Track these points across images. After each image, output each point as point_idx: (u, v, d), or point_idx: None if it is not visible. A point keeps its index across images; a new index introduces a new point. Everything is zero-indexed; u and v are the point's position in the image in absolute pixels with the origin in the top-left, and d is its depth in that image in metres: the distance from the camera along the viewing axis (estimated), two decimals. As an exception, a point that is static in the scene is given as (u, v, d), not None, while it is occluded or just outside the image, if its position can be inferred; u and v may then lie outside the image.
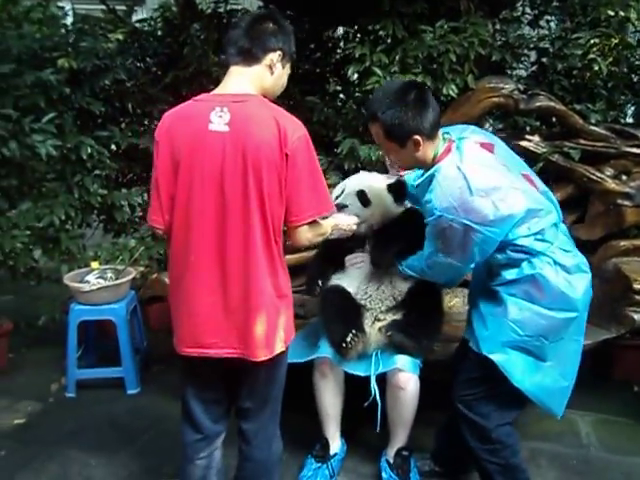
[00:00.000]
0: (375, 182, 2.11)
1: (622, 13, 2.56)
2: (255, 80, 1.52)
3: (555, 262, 1.69)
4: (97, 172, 2.98)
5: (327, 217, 1.60)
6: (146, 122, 3.26)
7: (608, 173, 2.60)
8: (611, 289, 2.48)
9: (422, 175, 1.80)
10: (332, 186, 2.87)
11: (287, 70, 1.61)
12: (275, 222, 1.47)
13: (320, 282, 2.06)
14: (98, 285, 2.72)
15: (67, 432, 2.46)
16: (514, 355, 1.72)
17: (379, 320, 2.03)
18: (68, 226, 3.03)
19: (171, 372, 2.99)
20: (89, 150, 2.81)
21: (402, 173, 2.21)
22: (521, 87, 2.61)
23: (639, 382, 2.87)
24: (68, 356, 2.75)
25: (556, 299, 1.69)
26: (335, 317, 2.00)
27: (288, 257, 2.95)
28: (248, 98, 1.48)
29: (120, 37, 3.00)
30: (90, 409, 2.65)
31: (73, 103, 2.89)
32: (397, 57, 2.55)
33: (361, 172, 2.20)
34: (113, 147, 3.06)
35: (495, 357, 1.71)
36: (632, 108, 2.62)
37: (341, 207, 2.00)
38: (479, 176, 1.61)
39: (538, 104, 2.51)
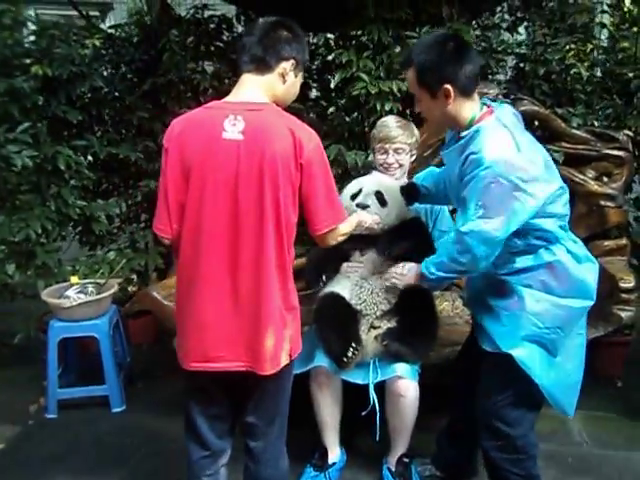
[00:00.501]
0: (390, 183, 2.11)
1: (597, 19, 2.64)
2: (268, 89, 1.50)
3: (568, 250, 1.67)
4: (74, 183, 2.87)
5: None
6: (124, 131, 3.17)
7: (590, 175, 2.66)
8: (598, 289, 2.52)
9: (452, 140, 1.72)
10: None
11: (300, 79, 1.58)
12: (289, 231, 1.45)
13: (324, 276, 2.03)
14: (79, 300, 2.61)
15: (51, 456, 2.34)
16: (533, 349, 1.65)
17: (374, 327, 2.01)
18: (44, 240, 2.91)
19: (156, 387, 2.91)
20: (66, 160, 2.70)
21: (393, 173, 2.22)
22: (503, 92, 2.65)
23: (621, 378, 2.95)
24: (49, 375, 2.62)
25: (573, 287, 1.66)
26: (332, 327, 1.97)
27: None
28: (263, 107, 1.45)
29: (97, 43, 2.90)
30: (74, 430, 2.53)
31: (47, 112, 2.78)
32: (383, 63, 2.55)
33: (374, 173, 2.19)
34: (90, 157, 2.96)
35: (516, 352, 1.63)
36: (610, 111, 2.68)
37: (363, 207, 1.98)
38: (523, 140, 1.56)
39: (523, 108, 2.54)
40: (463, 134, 1.63)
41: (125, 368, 2.91)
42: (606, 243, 2.58)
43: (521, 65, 2.89)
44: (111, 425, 2.58)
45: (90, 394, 2.69)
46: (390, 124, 2.23)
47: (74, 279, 2.77)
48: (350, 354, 1.86)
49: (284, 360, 1.52)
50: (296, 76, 1.55)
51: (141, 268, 3.20)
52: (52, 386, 2.63)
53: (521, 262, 1.65)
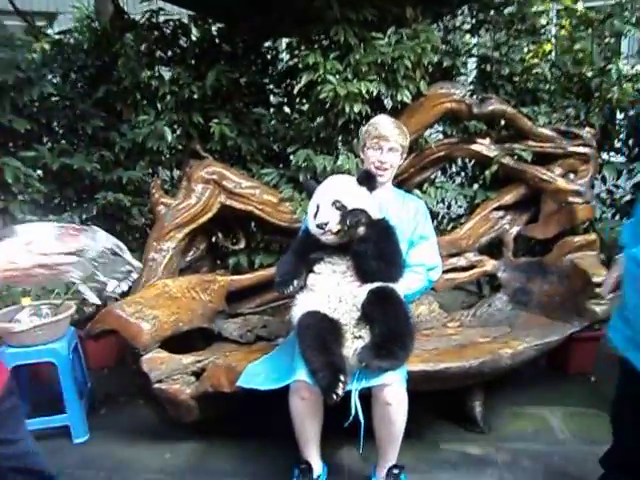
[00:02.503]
0: (345, 183, 2.03)
1: (555, 21, 2.69)
2: None
3: None
4: (23, 198, 2.66)
5: None
6: (76, 140, 2.98)
7: (557, 172, 2.70)
8: (571, 284, 2.55)
9: None
10: (287, 199, 2.78)
11: None
12: None
13: (295, 282, 1.94)
14: (33, 323, 2.40)
15: (8, 496, 2.12)
16: None
17: (356, 337, 1.92)
18: (-10, 260, 2.67)
19: (121, 413, 2.72)
20: (14, 173, 2.50)
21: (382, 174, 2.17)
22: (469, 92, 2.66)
23: (594, 372, 2.98)
24: (1, 408, 2.39)
25: None
26: (316, 348, 1.84)
27: (242, 277, 2.83)
28: None
29: (46, 46, 2.71)
30: (33, 466, 2.31)
31: (-8, 121, 2.58)
32: (350, 64, 2.50)
33: (327, 180, 2.10)
34: (39, 170, 2.76)
35: None
36: (571, 110, 2.73)
37: (324, 225, 1.90)
38: None
39: (491, 107, 2.56)
40: None
41: (86, 395, 2.70)
42: (576, 239, 2.61)
43: (483, 67, 2.91)
44: (74, 457, 2.38)
45: (49, 425, 2.47)
46: (386, 122, 2.20)
47: (26, 300, 2.55)
48: (340, 391, 1.75)
49: None
50: None
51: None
52: (5, 419, 2.40)
53: None
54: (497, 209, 2.84)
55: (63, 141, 2.90)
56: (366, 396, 1.90)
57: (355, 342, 1.89)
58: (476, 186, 3.02)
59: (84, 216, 3.08)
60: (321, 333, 1.85)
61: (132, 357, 2.31)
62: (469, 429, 2.48)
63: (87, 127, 2.83)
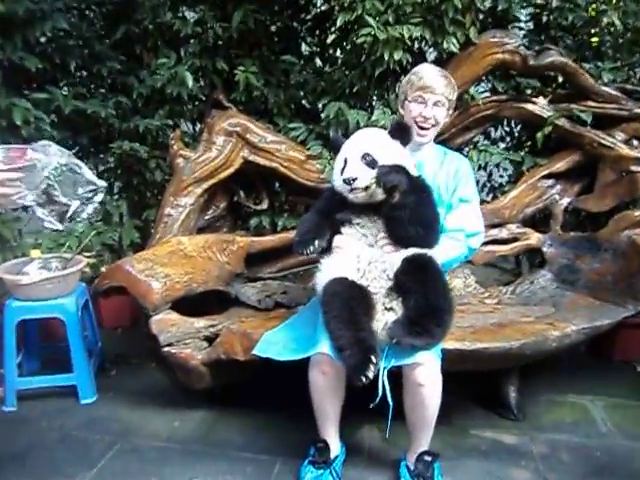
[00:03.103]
0: (376, 135, 1.80)
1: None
2: None
3: None
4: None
5: None
6: (92, 85, 2.78)
7: (619, 138, 2.41)
8: (627, 264, 2.29)
9: None
10: (315, 157, 2.56)
11: None
12: None
13: (316, 242, 1.73)
14: (41, 276, 2.27)
15: (10, 455, 2.01)
16: None
17: (387, 309, 1.71)
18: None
19: (131, 376, 2.60)
20: (23, 114, 2.32)
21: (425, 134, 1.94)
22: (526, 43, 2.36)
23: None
24: (5, 363, 2.29)
25: None
26: (344, 321, 1.64)
27: (264, 239, 2.64)
28: None
29: (59, -27, 2.50)
30: (37, 425, 2.21)
31: (1, 58, 2.39)
32: (392, 5, 2.22)
33: (355, 134, 1.87)
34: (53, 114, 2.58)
35: None
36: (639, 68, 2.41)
37: (351, 181, 1.68)
38: None
39: (550, 59, 2.26)
40: None
41: (96, 354, 2.59)
42: (637, 213, 2.33)
43: (540, 15, 2.58)
44: (80, 419, 2.27)
45: (55, 384, 2.37)
46: (432, 71, 1.94)
47: (35, 253, 2.43)
48: (370, 373, 1.54)
49: None
50: None
51: (114, 243, 2.85)
52: (10, 375, 2.29)
53: None
54: (546, 177, 2.56)
55: (78, 83, 2.71)
56: (395, 374, 1.70)
57: (385, 314, 1.68)
58: (523, 152, 2.74)
59: (100, 167, 2.91)
60: (349, 303, 1.64)
61: (143, 317, 2.16)
62: (502, 415, 2.28)
63: (103, 70, 2.63)
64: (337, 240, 1.80)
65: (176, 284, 2.09)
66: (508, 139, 2.88)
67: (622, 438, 2.18)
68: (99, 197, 1.35)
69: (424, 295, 1.62)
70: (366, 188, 1.70)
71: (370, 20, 2.20)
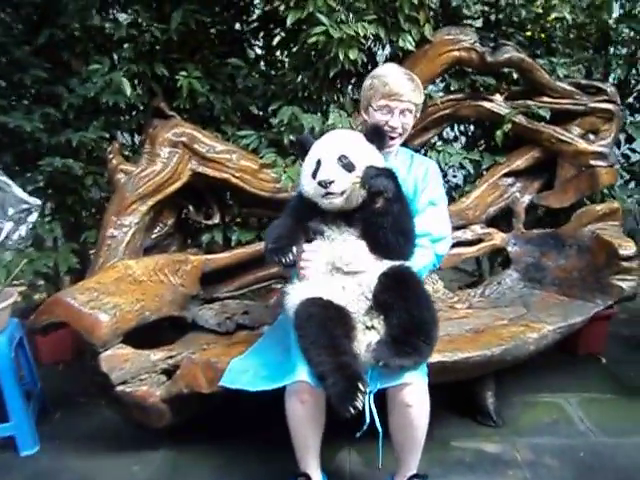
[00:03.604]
0: (351, 137, 1.67)
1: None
2: None
3: None
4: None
5: None
6: (13, 96, 2.49)
7: (576, 132, 2.40)
8: (593, 259, 2.28)
9: None
10: (269, 166, 2.39)
11: None
12: None
13: (293, 248, 1.57)
14: (-37, 316, 1.98)
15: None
16: None
17: (368, 328, 1.58)
18: None
19: (78, 417, 2.34)
20: None
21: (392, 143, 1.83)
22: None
23: (604, 354, 2.76)
24: None
25: None
26: (323, 347, 1.48)
27: (218, 256, 2.45)
28: None
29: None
30: (-31, 487, 1.92)
31: None
32: (344, 2, 2.11)
33: (327, 134, 1.73)
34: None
35: None
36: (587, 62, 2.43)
37: (327, 184, 1.54)
38: None
39: (507, 55, 2.22)
40: None
41: (35, 397, 2.30)
42: (598, 208, 2.33)
43: (489, 13, 2.55)
44: (21, 474, 2.00)
45: (-11, 436, 2.08)
46: (397, 75, 1.81)
47: (-44, 289, 2.11)
48: (359, 403, 1.39)
49: None
50: None
51: (49, 271, 2.56)
52: None
53: None
54: (506, 175, 2.53)
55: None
56: (378, 395, 1.57)
57: (367, 334, 1.55)
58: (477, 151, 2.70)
59: (28, 187, 2.61)
60: (327, 325, 1.49)
61: (90, 353, 1.91)
62: (481, 422, 2.22)
63: (26, 79, 2.35)
64: (307, 254, 1.65)
65: (127, 314, 1.87)
66: (463, 139, 2.83)
67: (602, 435, 2.16)
68: (33, 217, 1.15)
69: (407, 310, 1.50)
70: (342, 193, 1.56)
71: (322, 18, 2.08)
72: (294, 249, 1.56)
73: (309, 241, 1.65)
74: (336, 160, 1.57)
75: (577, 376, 2.59)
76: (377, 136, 1.65)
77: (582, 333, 2.71)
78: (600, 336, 2.77)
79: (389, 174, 1.55)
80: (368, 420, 1.49)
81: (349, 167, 1.57)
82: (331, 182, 1.54)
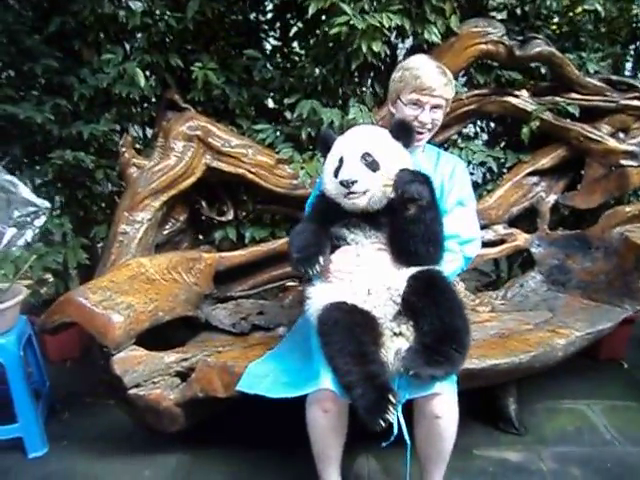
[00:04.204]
0: (377, 134, 1.59)
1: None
2: None
3: None
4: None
5: None
6: (24, 86, 2.41)
7: (605, 131, 2.32)
8: (621, 262, 2.20)
9: None
10: (285, 161, 2.31)
11: None
12: None
13: (321, 258, 1.50)
14: (-30, 314, 1.91)
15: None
16: None
17: (396, 334, 1.51)
18: None
19: (87, 417, 2.28)
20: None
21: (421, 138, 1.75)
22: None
23: (626, 359, 2.68)
24: None
25: None
26: (349, 354, 1.41)
27: (233, 254, 2.37)
28: None
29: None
30: (-25, 491, 1.86)
31: None
32: (368, -9, 2.02)
33: (350, 130, 1.65)
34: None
35: None
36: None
37: (350, 184, 1.46)
38: None
39: (537, 49, 2.13)
40: None
41: (44, 396, 2.25)
42: (628, 209, 2.25)
43: (515, 5, 2.45)
44: (29, 476, 1.94)
45: (-2, 437, 2.02)
46: (429, 67, 1.71)
47: (-37, 285, 2.05)
48: (390, 416, 1.32)
49: None
50: None
51: (58, 266, 2.49)
52: (-61, 431, 1.93)
53: None
54: (531, 174, 2.44)
55: (6, 84, 2.33)
56: (404, 403, 1.49)
57: (395, 341, 1.47)
58: (498, 148, 2.61)
59: (37, 180, 2.54)
60: (354, 331, 1.42)
61: (100, 354, 1.85)
62: (503, 430, 2.15)
63: (36, 69, 2.27)
64: (334, 262, 1.58)
65: (140, 315, 1.80)
66: (484, 135, 2.74)
67: (628, 444, 2.09)
68: (40, 220, 1.07)
69: (439, 316, 1.43)
70: (365, 192, 1.49)
71: (346, 7, 1.99)
72: (321, 259, 1.49)
73: (334, 247, 1.57)
74: (359, 158, 1.50)
75: (599, 382, 2.51)
76: (403, 132, 1.57)
77: (604, 337, 2.63)
78: (622, 340, 2.69)
79: (424, 179, 1.48)
80: (396, 431, 1.41)
81: (373, 166, 1.50)
82: (354, 182, 1.47)
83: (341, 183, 1.49)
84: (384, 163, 1.51)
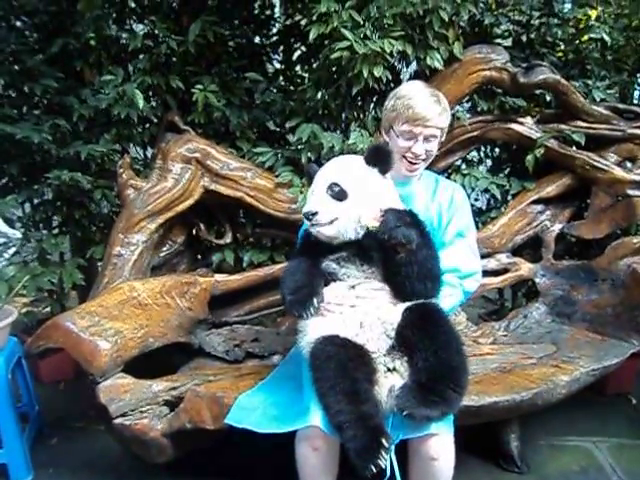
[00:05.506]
0: (346, 164, 1.56)
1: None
2: None
3: None
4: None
5: None
6: (24, 106, 2.41)
7: (612, 160, 2.27)
8: (628, 295, 2.13)
9: None
10: (285, 185, 2.28)
11: None
12: None
13: (315, 300, 1.46)
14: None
15: None
16: None
17: (390, 370, 1.45)
18: None
19: (76, 443, 2.22)
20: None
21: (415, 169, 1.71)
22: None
23: (634, 394, 2.59)
24: None
25: None
26: (341, 391, 1.36)
27: (229, 278, 2.33)
28: None
29: (-20, -20, 2.14)
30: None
31: None
32: (370, 17, 2.00)
33: (330, 160, 1.62)
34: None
35: None
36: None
37: (310, 215, 1.45)
38: None
39: (542, 77, 2.09)
40: None
41: (32, 420, 2.20)
42: (635, 240, 2.18)
43: (520, 32, 2.43)
44: (12, 507, 1.88)
45: (-20, 464, 1.96)
46: (423, 98, 1.66)
47: (-47, 305, 2.01)
48: (382, 461, 1.26)
49: None
50: None
51: (53, 286, 2.45)
52: None
53: None
54: (535, 202, 2.39)
55: (5, 104, 2.33)
56: (398, 444, 1.43)
57: (389, 377, 1.41)
58: (502, 175, 2.56)
59: (35, 200, 2.52)
60: (347, 368, 1.36)
61: (88, 380, 1.80)
62: (504, 468, 2.06)
63: (37, 89, 2.27)
64: (330, 306, 1.53)
65: (129, 342, 1.75)
66: (488, 162, 2.70)
67: (635, 487, 1.99)
68: (10, 251, 1.01)
69: (434, 352, 1.37)
70: (332, 222, 1.46)
71: (347, 33, 1.97)
72: (315, 301, 1.46)
73: (327, 283, 1.53)
74: (325, 189, 1.48)
75: (606, 418, 2.42)
76: (377, 158, 1.53)
77: (611, 372, 2.56)
78: (630, 374, 2.60)
79: (410, 220, 1.44)
80: (389, 474, 1.34)
81: (340, 195, 1.47)
82: (314, 213, 1.45)
83: (304, 215, 1.48)
84: (353, 192, 1.48)
